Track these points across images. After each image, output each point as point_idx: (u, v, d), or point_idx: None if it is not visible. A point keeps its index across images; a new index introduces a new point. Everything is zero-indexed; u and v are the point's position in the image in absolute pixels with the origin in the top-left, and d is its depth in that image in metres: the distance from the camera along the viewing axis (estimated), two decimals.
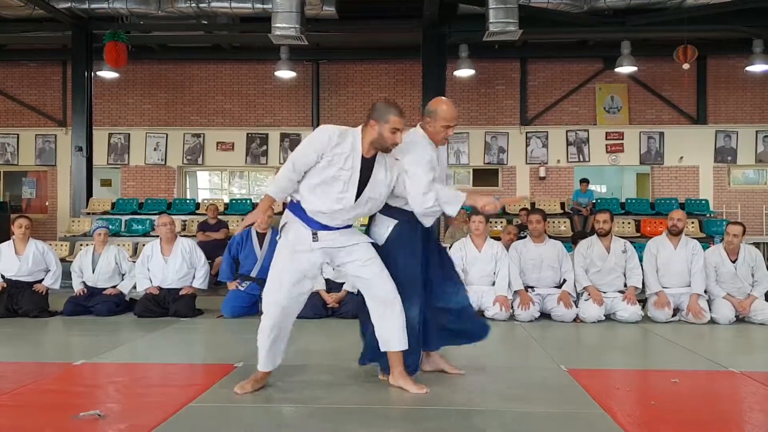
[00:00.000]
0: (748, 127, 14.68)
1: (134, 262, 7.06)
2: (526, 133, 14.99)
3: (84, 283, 6.90)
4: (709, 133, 14.76)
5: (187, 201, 13.64)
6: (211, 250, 8.91)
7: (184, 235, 8.97)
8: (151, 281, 6.72)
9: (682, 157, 14.76)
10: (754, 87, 14.55)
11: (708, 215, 12.91)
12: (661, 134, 14.80)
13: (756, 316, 6.20)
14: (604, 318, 6.29)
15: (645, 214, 12.62)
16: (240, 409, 3.32)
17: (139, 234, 11.57)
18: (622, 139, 14.87)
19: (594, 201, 13.42)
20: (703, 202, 13.70)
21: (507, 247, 6.82)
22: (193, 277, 6.76)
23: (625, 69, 13.19)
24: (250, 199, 13.94)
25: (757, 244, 11.21)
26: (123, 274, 6.98)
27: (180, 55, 15.16)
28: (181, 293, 6.62)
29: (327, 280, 6.59)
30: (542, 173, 14.89)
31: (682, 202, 13.27)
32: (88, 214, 12.26)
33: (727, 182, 14.88)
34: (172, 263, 6.69)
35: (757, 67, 12.89)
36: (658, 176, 14.97)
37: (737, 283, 6.34)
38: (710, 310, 6.27)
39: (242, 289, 6.56)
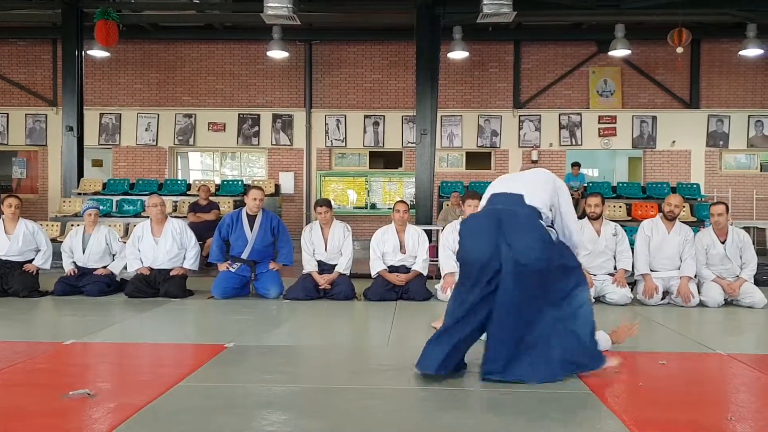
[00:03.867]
0: (741, 112, 14.68)
1: (125, 242, 7.04)
2: (519, 116, 14.96)
3: (74, 263, 6.89)
4: (701, 118, 14.76)
5: (179, 182, 13.57)
6: (203, 231, 8.91)
7: (175, 216, 8.95)
8: (141, 262, 6.71)
9: (674, 141, 14.77)
10: (746, 71, 14.53)
11: (699, 199, 12.97)
12: (654, 118, 14.79)
13: (744, 299, 6.26)
14: (594, 300, 6.32)
15: (636, 197, 12.67)
16: (230, 388, 3.33)
17: (130, 214, 11.53)
18: (615, 122, 14.85)
19: (585, 184, 13.46)
20: (695, 186, 13.77)
21: None
22: (184, 258, 6.75)
23: (619, 52, 13.14)
24: (242, 180, 13.90)
25: (747, 228, 11.31)
26: (113, 255, 6.97)
27: (172, 34, 15.00)
28: (171, 274, 6.61)
29: (319, 262, 6.60)
30: (534, 156, 14.87)
31: (674, 186, 13.33)
32: (79, 194, 12.18)
33: (719, 166, 14.91)
34: (162, 244, 6.68)
35: (750, 52, 12.86)
36: (650, 160, 14.99)
37: (726, 263, 6.40)
38: (699, 293, 6.32)
39: (233, 270, 6.56)
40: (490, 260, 3.48)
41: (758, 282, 6.64)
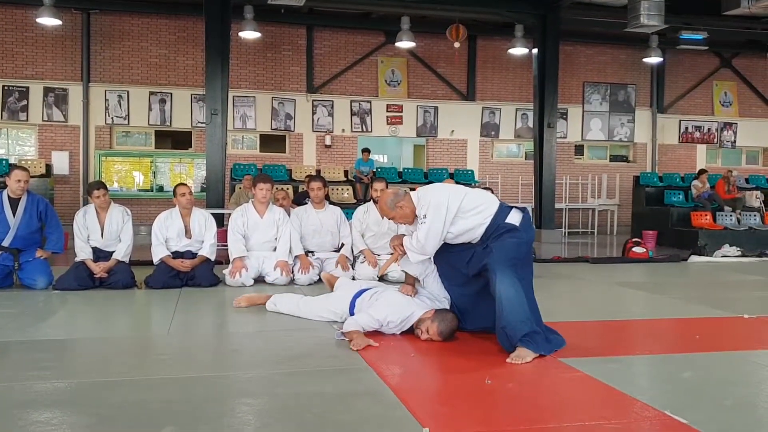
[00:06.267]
0: (510, 105, 16.21)
1: None
2: (313, 100, 15.12)
3: None
4: (476, 109, 16.06)
5: None
6: None
7: None
8: None
9: (453, 131, 15.90)
10: (515, 68, 16.03)
11: (473, 185, 14.14)
12: (436, 108, 15.79)
13: None
14: (377, 279, 6.64)
15: (419, 182, 13.48)
16: None
17: None
18: (402, 111, 15.62)
19: (375, 170, 14.04)
20: (470, 172, 15.03)
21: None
22: None
23: (405, 44, 13.83)
24: (7, 160, 12.50)
25: None
26: None
27: None
28: None
29: (95, 249, 6.16)
30: (328, 141, 15.16)
31: (452, 173, 14.40)
32: None
33: (491, 155, 16.36)
34: None
35: (517, 50, 14.22)
36: (432, 148, 16.00)
37: None
38: None
39: None
40: None
41: None
